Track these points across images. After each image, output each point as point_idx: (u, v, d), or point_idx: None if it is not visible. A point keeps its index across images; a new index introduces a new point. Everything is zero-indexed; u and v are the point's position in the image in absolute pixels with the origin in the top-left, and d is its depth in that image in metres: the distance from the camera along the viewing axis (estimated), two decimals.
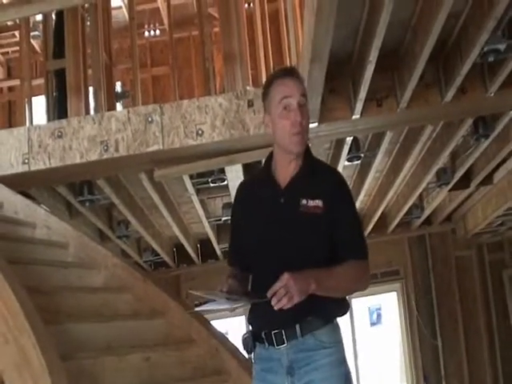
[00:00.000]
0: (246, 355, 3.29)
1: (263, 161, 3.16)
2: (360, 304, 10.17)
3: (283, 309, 2.50)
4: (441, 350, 9.73)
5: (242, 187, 3.22)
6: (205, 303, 2.71)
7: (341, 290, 2.76)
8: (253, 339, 2.89)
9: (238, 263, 3.00)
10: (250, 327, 2.93)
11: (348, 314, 2.98)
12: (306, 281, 2.55)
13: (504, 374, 9.73)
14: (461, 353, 9.72)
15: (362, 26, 4.47)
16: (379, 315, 10.96)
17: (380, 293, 10.32)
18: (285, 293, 2.48)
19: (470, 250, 10.03)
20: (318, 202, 2.79)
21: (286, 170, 2.93)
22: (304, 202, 2.80)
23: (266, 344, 2.82)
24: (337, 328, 2.85)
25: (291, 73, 2.95)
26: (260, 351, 2.88)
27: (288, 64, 5.38)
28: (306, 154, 2.96)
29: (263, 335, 2.82)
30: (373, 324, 10.94)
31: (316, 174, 2.90)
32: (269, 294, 2.51)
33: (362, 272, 2.78)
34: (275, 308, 2.50)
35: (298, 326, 2.75)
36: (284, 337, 2.76)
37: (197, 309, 2.81)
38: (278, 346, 2.78)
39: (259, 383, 2.91)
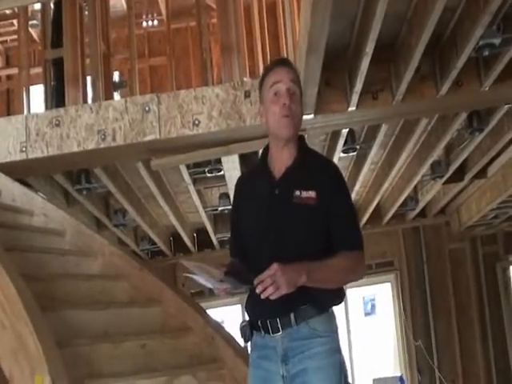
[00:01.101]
0: (244, 343, 3.34)
1: (259, 151, 3.21)
2: (354, 294, 10.21)
3: (270, 298, 2.52)
4: (434, 341, 9.79)
5: (240, 180, 3.27)
6: (194, 273, 2.75)
7: (333, 281, 2.78)
8: (250, 328, 2.92)
9: (239, 255, 3.04)
10: (247, 316, 2.96)
11: (343, 303, 3.01)
12: (296, 272, 2.58)
13: (496, 365, 9.78)
14: (454, 344, 9.78)
15: (358, 19, 4.49)
16: (373, 305, 11.00)
17: (374, 283, 10.39)
18: (271, 282, 2.51)
19: (463, 242, 10.07)
20: (312, 193, 2.81)
21: (281, 162, 2.95)
22: (298, 193, 2.82)
23: (262, 332, 2.85)
24: (332, 317, 2.88)
25: (283, 62, 3.01)
26: (256, 339, 2.92)
27: (285, 55, 5.39)
28: (301, 145, 2.99)
29: (259, 323, 2.85)
30: (367, 314, 10.99)
31: (310, 165, 2.92)
32: (255, 282, 2.55)
33: (355, 263, 2.80)
34: (262, 297, 2.53)
35: (292, 315, 2.77)
36: (279, 325, 2.79)
37: (185, 274, 2.82)
38: (273, 334, 2.81)
39: (255, 370, 2.94)
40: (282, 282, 2.52)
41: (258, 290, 2.54)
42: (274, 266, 2.54)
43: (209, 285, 2.79)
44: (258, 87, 3.05)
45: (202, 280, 2.77)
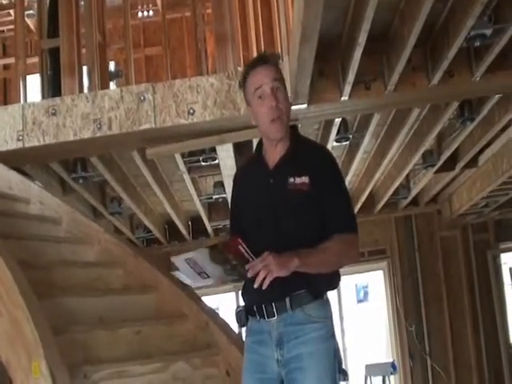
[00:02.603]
0: (239, 329, 3.41)
1: (254, 140, 3.26)
2: (347, 282, 10.28)
3: (262, 287, 2.59)
4: (425, 328, 9.86)
5: (238, 171, 3.39)
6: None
7: (326, 265, 2.82)
8: (246, 313, 2.98)
9: None
10: (243, 301, 3.02)
11: (336, 291, 3.07)
12: (288, 257, 2.64)
13: (487, 352, 9.84)
14: (445, 331, 9.83)
15: (351, 9, 4.49)
16: (366, 293, 11.07)
17: (367, 271, 10.49)
18: (262, 266, 2.59)
19: (455, 230, 10.11)
20: (305, 179, 2.86)
21: (274, 152, 3.01)
22: (291, 180, 2.88)
23: (258, 317, 2.91)
24: (326, 304, 2.93)
25: (261, 60, 3.02)
26: (252, 324, 2.98)
27: (278, 45, 5.42)
28: (294, 134, 3.05)
29: (255, 308, 2.91)
30: (360, 301, 11.07)
31: (303, 152, 2.97)
32: (247, 267, 2.62)
33: (348, 246, 2.85)
34: (255, 286, 2.61)
35: (288, 300, 2.83)
36: (274, 310, 2.85)
37: (172, 258, 2.84)
38: (268, 318, 2.87)
39: (251, 355, 3.00)
40: (274, 265, 2.59)
41: (248, 274, 2.62)
42: (266, 253, 2.61)
43: (192, 281, 2.85)
44: (242, 88, 3.08)
45: (186, 276, 2.83)
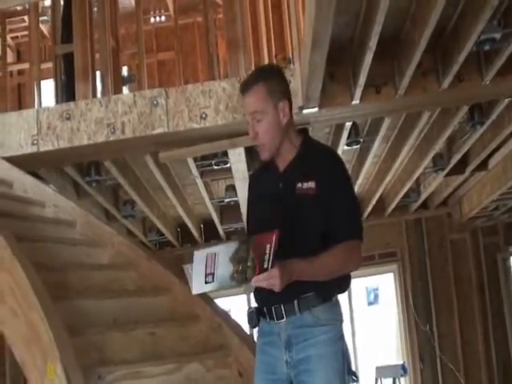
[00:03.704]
0: (251, 330, 3.44)
1: None
2: (358, 284, 10.28)
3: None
4: (436, 329, 9.86)
5: (252, 175, 3.43)
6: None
7: (329, 274, 2.83)
8: (257, 314, 3.00)
9: None
10: (255, 302, 3.04)
11: (347, 293, 3.08)
12: (290, 276, 2.68)
13: (497, 354, 9.82)
14: (455, 333, 9.82)
15: (362, 13, 4.51)
16: (376, 295, 11.07)
17: (377, 274, 10.49)
18: (267, 283, 2.63)
19: (465, 233, 10.08)
20: (311, 184, 2.88)
21: (284, 157, 3.04)
22: (299, 185, 2.90)
23: (268, 318, 2.93)
24: (335, 306, 2.94)
25: (245, 88, 3.02)
26: (263, 325, 3.00)
27: (290, 50, 5.45)
28: (304, 138, 3.07)
29: (265, 310, 2.93)
30: (370, 304, 11.06)
31: (312, 156, 3.00)
32: (253, 280, 2.65)
33: (350, 254, 2.85)
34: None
35: (296, 303, 2.84)
36: (283, 312, 2.87)
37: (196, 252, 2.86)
38: (277, 320, 2.89)
39: (261, 356, 3.02)
40: (278, 285, 2.62)
41: (253, 283, 2.67)
42: (274, 270, 2.62)
43: (195, 283, 2.84)
44: None
45: (194, 274, 2.83)
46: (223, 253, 2.75)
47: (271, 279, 2.62)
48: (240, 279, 2.70)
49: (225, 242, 2.80)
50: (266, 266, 2.61)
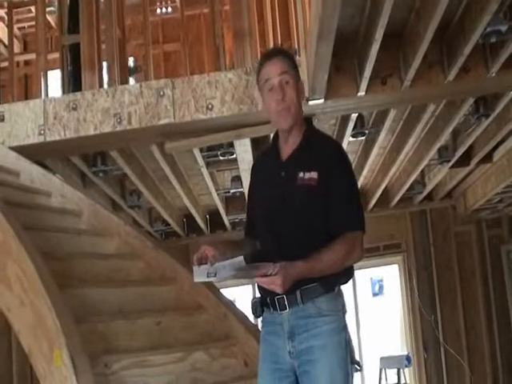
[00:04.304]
0: (255, 319, 3.47)
1: (271, 135, 3.31)
2: (363, 275, 10.33)
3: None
4: (440, 320, 9.89)
5: (255, 162, 3.42)
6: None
7: (330, 270, 2.83)
8: (261, 304, 3.02)
9: (252, 233, 3.17)
10: (258, 293, 3.05)
11: (351, 284, 3.10)
12: (292, 281, 2.68)
13: (501, 344, 9.86)
14: (459, 324, 9.86)
15: (368, 5, 4.52)
16: (381, 286, 11.12)
17: (382, 265, 10.56)
18: (268, 285, 2.65)
19: (469, 225, 10.10)
20: (313, 174, 2.90)
21: (287, 145, 3.06)
22: (301, 174, 2.92)
23: (271, 309, 2.95)
24: (338, 296, 2.96)
25: (272, 55, 3.09)
26: (266, 315, 3.03)
27: (296, 42, 5.46)
28: (308, 127, 3.09)
29: (268, 300, 2.95)
30: (375, 295, 11.13)
31: (314, 146, 3.01)
32: (257, 276, 2.66)
33: (352, 247, 2.85)
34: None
35: (298, 293, 2.86)
36: (286, 302, 2.88)
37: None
38: (280, 311, 2.91)
39: (265, 345, 3.05)
40: (279, 286, 2.63)
41: (256, 280, 2.69)
42: (276, 274, 2.63)
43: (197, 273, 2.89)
44: (256, 83, 3.17)
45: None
46: (229, 264, 2.79)
47: (272, 285, 2.64)
48: (241, 277, 2.80)
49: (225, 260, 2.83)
50: (269, 274, 2.63)
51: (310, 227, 2.90)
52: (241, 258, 2.80)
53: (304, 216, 2.91)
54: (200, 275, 2.85)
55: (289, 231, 2.91)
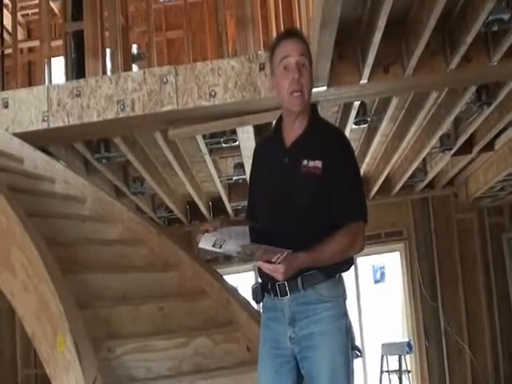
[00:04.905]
0: (256, 305, 3.49)
1: (273, 122, 3.31)
2: (364, 262, 10.36)
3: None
4: (441, 308, 9.91)
5: (256, 148, 3.39)
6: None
7: (332, 261, 2.84)
8: (261, 290, 3.02)
9: (252, 217, 3.16)
10: (259, 278, 3.06)
11: (353, 271, 3.12)
12: (294, 271, 2.70)
13: (501, 331, 9.88)
14: (460, 311, 9.86)
15: None
16: (383, 273, 11.16)
17: (384, 252, 10.57)
18: (272, 267, 2.64)
19: (471, 213, 10.09)
20: (318, 163, 2.89)
21: (291, 131, 3.04)
22: (305, 162, 2.91)
23: (272, 295, 2.96)
24: (338, 283, 2.96)
25: (291, 34, 3.06)
26: (267, 301, 3.04)
27: (299, 29, 5.46)
28: (313, 114, 3.07)
29: (269, 286, 2.95)
30: (376, 282, 11.16)
31: (319, 134, 2.99)
32: (260, 264, 2.67)
33: (354, 239, 2.85)
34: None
35: (299, 279, 2.86)
36: (287, 288, 2.89)
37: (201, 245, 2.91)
38: (281, 297, 2.92)
39: (265, 331, 3.06)
40: (281, 274, 2.64)
41: (258, 264, 2.70)
42: (281, 267, 2.63)
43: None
44: (269, 59, 3.09)
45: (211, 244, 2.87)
46: (234, 231, 2.80)
47: (274, 272, 2.65)
48: (245, 258, 2.76)
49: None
50: (273, 261, 2.65)
51: (314, 218, 2.91)
52: (246, 228, 2.84)
53: (307, 204, 2.91)
54: (206, 242, 2.86)
55: (292, 222, 2.91)
